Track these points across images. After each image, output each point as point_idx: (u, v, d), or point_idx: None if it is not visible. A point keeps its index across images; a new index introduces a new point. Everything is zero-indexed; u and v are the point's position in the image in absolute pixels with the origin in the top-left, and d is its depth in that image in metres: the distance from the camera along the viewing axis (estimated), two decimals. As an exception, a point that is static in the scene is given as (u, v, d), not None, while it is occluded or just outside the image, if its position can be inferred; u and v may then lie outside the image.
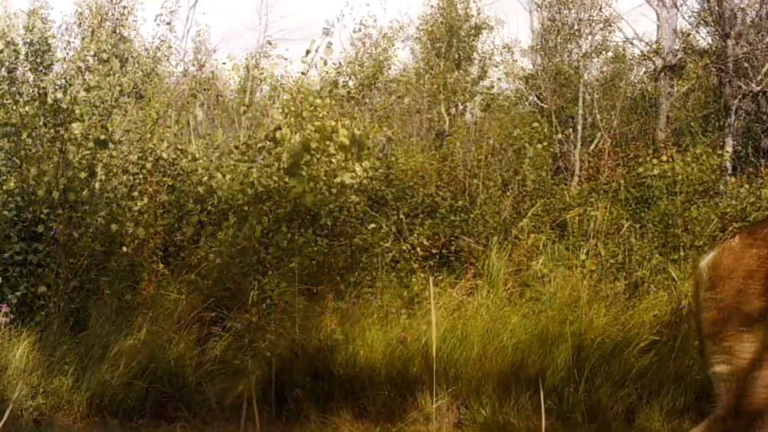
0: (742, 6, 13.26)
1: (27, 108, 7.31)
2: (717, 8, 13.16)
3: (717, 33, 13.20)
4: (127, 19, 12.01)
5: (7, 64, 8.08)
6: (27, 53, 8.41)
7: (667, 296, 7.28)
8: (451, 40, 19.23)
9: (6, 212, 6.37)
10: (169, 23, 12.91)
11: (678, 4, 13.66)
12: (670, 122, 14.36)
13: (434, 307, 6.59)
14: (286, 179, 6.94)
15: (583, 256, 7.53)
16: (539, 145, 11.19)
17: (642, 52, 15.04)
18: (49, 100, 7.65)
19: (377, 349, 6.24)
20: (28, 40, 8.58)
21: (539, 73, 15.74)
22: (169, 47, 12.98)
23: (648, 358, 6.42)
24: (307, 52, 7.68)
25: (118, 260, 6.65)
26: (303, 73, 7.83)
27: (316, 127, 7.60)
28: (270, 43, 14.50)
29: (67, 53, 10.94)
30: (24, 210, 6.46)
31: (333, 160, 7.25)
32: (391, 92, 14.10)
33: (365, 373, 6.12)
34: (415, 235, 7.90)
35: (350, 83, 10.90)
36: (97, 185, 7.12)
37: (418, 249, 7.67)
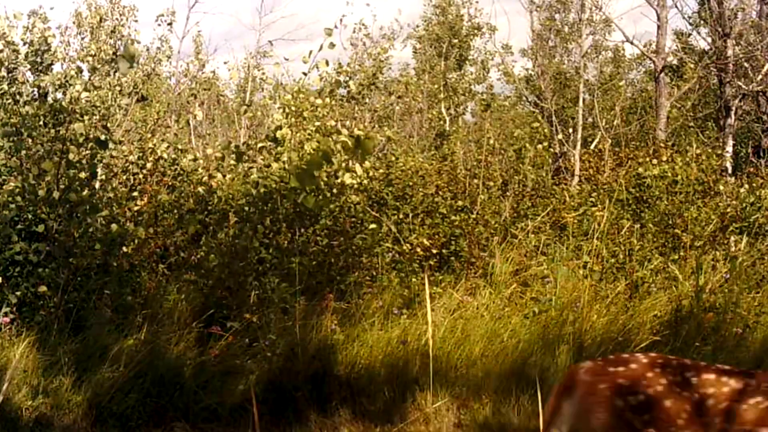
0: (742, 6, 13.26)
1: (27, 108, 7.31)
2: (717, 8, 13.16)
3: (717, 33, 13.19)
4: (127, 20, 12.01)
5: (6, 64, 8.07)
6: (27, 53, 8.40)
7: (667, 296, 7.29)
8: (452, 40, 19.24)
9: (6, 212, 6.36)
10: (170, 24, 12.92)
11: (678, 5, 13.64)
12: (670, 122, 14.36)
13: (432, 307, 6.60)
14: (288, 179, 6.94)
15: (586, 257, 7.54)
16: (539, 145, 11.19)
17: (642, 51, 15.04)
18: (50, 100, 7.65)
19: (377, 350, 6.25)
20: (28, 40, 8.57)
21: (539, 74, 15.74)
22: (170, 47, 12.99)
23: (648, 359, 6.41)
24: (310, 53, 7.69)
25: (118, 260, 6.64)
26: (304, 73, 7.84)
27: (317, 127, 7.61)
28: (270, 43, 14.50)
29: (66, 53, 10.94)
30: (25, 210, 6.45)
31: (334, 161, 7.25)
32: (392, 92, 14.11)
33: (365, 373, 6.12)
34: (415, 235, 7.90)
35: (351, 83, 10.90)
36: (97, 185, 7.12)
37: (419, 249, 7.67)
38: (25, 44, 8.51)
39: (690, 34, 16.45)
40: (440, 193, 8.78)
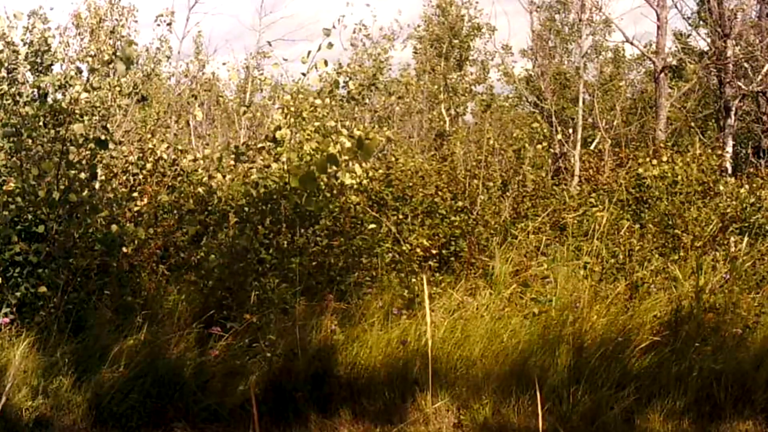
0: (741, 6, 13.27)
1: (27, 108, 7.31)
2: (717, 8, 13.16)
3: (717, 33, 13.19)
4: (126, 20, 12.03)
5: (6, 64, 8.08)
6: (27, 54, 8.42)
7: (667, 297, 7.28)
8: (452, 41, 19.25)
9: (6, 213, 6.36)
10: (169, 24, 12.94)
11: (678, 5, 13.66)
12: (670, 123, 14.36)
13: (432, 307, 6.59)
14: (288, 179, 6.94)
15: (586, 257, 7.53)
16: (539, 146, 11.19)
17: (642, 52, 15.05)
18: (49, 101, 7.66)
19: (377, 350, 6.24)
20: (28, 41, 8.58)
21: (539, 74, 15.75)
22: (170, 47, 13.02)
23: (648, 359, 6.42)
24: (308, 53, 7.68)
25: (118, 261, 6.64)
26: (303, 74, 7.83)
27: (316, 127, 7.61)
28: (269, 44, 14.50)
29: (66, 54, 10.95)
30: (24, 210, 6.45)
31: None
32: (392, 93, 14.11)
33: (365, 373, 6.12)
34: (415, 235, 7.90)
35: (351, 84, 10.90)
36: (97, 185, 7.12)
37: (418, 249, 7.67)
38: (24, 45, 8.52)
39: (690, 35, 16.47)
40: (440, 193, 8.78)
